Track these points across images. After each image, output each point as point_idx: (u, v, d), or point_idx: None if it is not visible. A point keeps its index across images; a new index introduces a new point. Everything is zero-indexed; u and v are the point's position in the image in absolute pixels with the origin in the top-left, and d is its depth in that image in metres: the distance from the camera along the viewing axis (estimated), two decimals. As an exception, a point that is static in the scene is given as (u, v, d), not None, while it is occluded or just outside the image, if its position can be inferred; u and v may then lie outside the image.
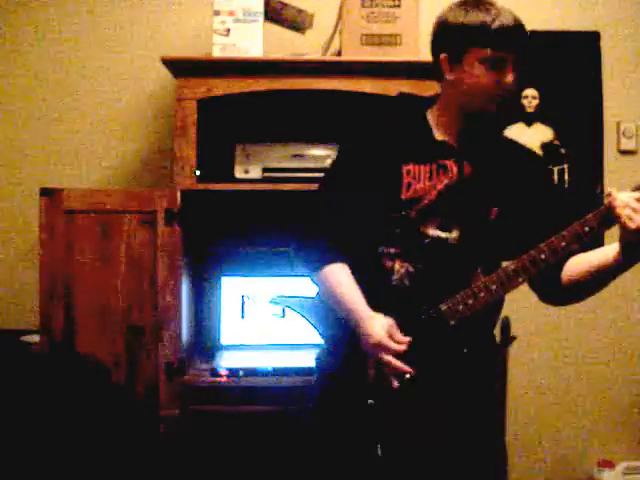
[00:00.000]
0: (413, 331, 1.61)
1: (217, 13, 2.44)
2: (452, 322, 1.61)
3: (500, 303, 1.74)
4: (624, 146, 2.99)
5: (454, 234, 1.66)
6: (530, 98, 2.97)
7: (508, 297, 2.90)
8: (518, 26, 1.62)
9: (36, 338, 2.43)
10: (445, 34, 1.70)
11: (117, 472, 2.32)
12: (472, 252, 1.66)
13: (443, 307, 1.61)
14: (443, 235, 1.66)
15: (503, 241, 1.68)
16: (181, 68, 2.44)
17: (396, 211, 1.67)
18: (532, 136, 2.97)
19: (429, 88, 2.43)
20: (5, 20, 2.91)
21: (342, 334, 1.70)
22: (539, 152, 2.97)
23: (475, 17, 1.62)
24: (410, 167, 1.68)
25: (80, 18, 2.91)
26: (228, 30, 2.44)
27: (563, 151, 2.97)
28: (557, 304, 1.77)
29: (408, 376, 1.58)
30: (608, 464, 2.92)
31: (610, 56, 2.98)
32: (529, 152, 1.86)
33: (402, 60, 2.44)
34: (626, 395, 3.01)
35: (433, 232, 1.66)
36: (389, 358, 1.57)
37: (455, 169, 1.67)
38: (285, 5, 2.56)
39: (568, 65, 2.97)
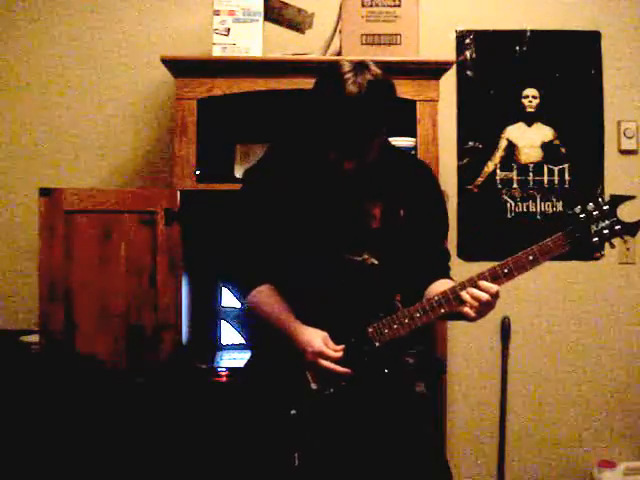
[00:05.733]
0: (343, 349, 1.71)
1: (217, 13, 2.44)
2: (377, 344, 1.70)
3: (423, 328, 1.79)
4: (625, 146, 2.99)
5: (366, 256, 1.75)
6: (530, 98, 2.97)
7: (508, 297, 2.94)
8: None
9: (36, 338, 2.43)
10: None
11: (116, 471, 2.32)
12: (389, 270, 1.75)
13: (370, 329, 1.71)
14: (358, 258, 1.75)
15: (413, 254, 1.76)
16: (181, 68, 2.44)
17: (311, 241, 1.76)
18: (532, 136, 2.97)
19: (429, 88, 2.45)
20: (5, 21, 2.91)
21: (270, 347, 1.80)
22: (539, 152, 2.98)
23: None
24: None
25: (80, 18, 2.91)
26: (228, 30, 2.44)
27: (563, 151, 2.98)
28: None
29: (344, 383, 1.69)
30: (608, 464, 2.91)
31: (611, 56, 2.98)
32: (417, 166, 1.91)
33: (402, 60, 2.44)
34: (627, 395, 3.01)
35: (348, 256, 1.75)
36: (329, 364, 1.67)
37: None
38: (285, 5, 2.56)
39: (568, 65, 2.98)
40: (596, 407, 3.00)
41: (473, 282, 1.63)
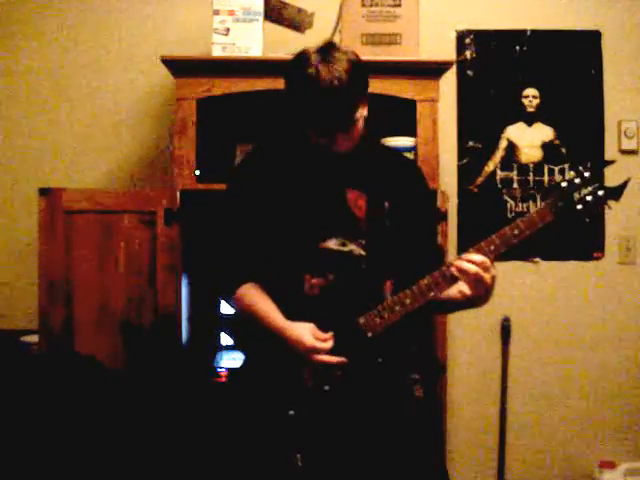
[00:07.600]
0: (333, 342, 1.69)
1: (217, 13, 2.44)
2: (370, 334, 1.69)
3: (417, 316, 1.77)
4: (625, 146, 2.99)
5: (352, 246, 1.74)
6: (530, 98, 2.97)
7: (508, 297, 2.94)
8: None
9: (36, 338, 2.43)
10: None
11: (115, 472, 2.32)
12: (376, 260, 1.74)
13: (361, 320, 1.69)
14: (345, 249, 1.74)
15: (400, 246, 1.76)
16: (181, 68, 2.44)
17: (295, 233, 1.75)
18: (532, 136, 2.97)
19: (429, 88, 2.45)
20: (4, 21, 2.91)
21: (262, 348, 1.77)
22: (539, 152, 2.98)
23: None
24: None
25: (80, 18, 2.91)
26: (228, 29, 2.44)
27: (563, 151, 2.97)
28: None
29: (339, 373, 1.67)
30: (609, 465, 2.91)
31: (611, 55, 2.97)
32: (403, 161, 1.93)
33: (402, 59, 2.44)
34: (627, 395, 3.01)
35: (334, 247, 1.74)
36: (322, 357, 1.66)
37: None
38: (285, 5, 2.56)
39: (568, 65, 2.97)
40: (596, 407, 3.00)
41: (458, 258, 1.62)
